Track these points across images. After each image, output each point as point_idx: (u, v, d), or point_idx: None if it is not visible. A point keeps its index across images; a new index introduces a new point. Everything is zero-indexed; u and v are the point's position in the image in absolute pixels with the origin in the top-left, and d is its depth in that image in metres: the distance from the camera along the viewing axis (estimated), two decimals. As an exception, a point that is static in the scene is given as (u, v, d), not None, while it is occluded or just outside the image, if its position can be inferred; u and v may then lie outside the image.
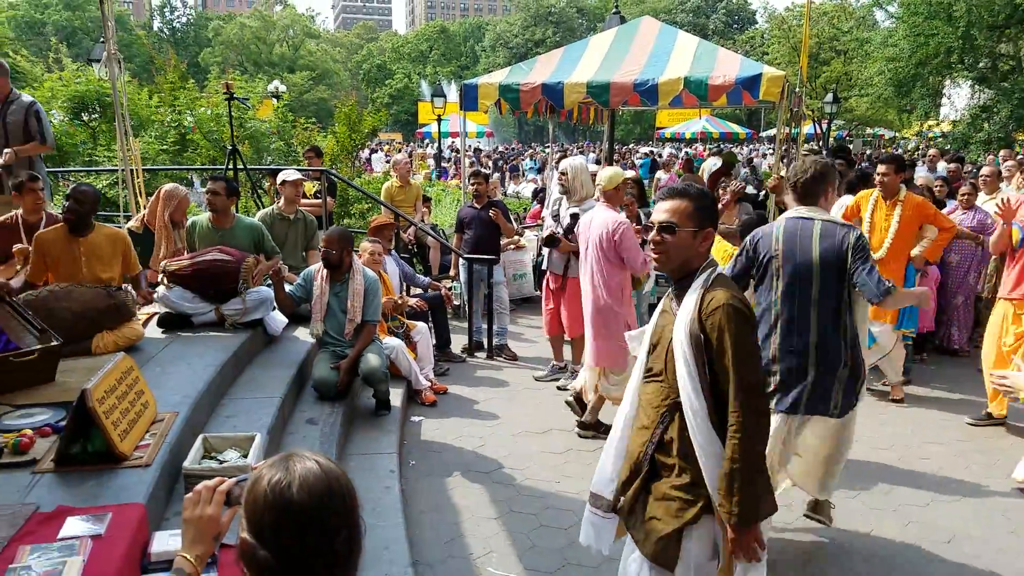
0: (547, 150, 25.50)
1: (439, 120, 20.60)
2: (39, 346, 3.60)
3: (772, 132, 30.83)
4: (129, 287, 4.59)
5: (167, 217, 5.46)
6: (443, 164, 20.96)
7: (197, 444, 3.05)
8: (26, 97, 5.61)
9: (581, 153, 22.31)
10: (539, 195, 10.48)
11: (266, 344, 5.02)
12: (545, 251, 5.82)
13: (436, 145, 22.88)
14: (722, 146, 23.76)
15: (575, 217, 5.35)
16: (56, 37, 42.35)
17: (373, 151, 21.46)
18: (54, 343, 3.64)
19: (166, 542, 2.39)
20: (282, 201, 6.07)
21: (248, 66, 47.06)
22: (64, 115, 12.00)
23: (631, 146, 30.92)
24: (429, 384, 5.47)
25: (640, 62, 7.39)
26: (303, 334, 5.18)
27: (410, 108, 48.34)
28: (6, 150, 5.36)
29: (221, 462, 2.99)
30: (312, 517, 1.19)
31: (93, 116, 12.12)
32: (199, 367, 3.98)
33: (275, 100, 15.90)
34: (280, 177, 6.20)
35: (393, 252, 6.36)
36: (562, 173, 5.54)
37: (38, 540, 2.23)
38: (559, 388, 5.70)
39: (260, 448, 3.10)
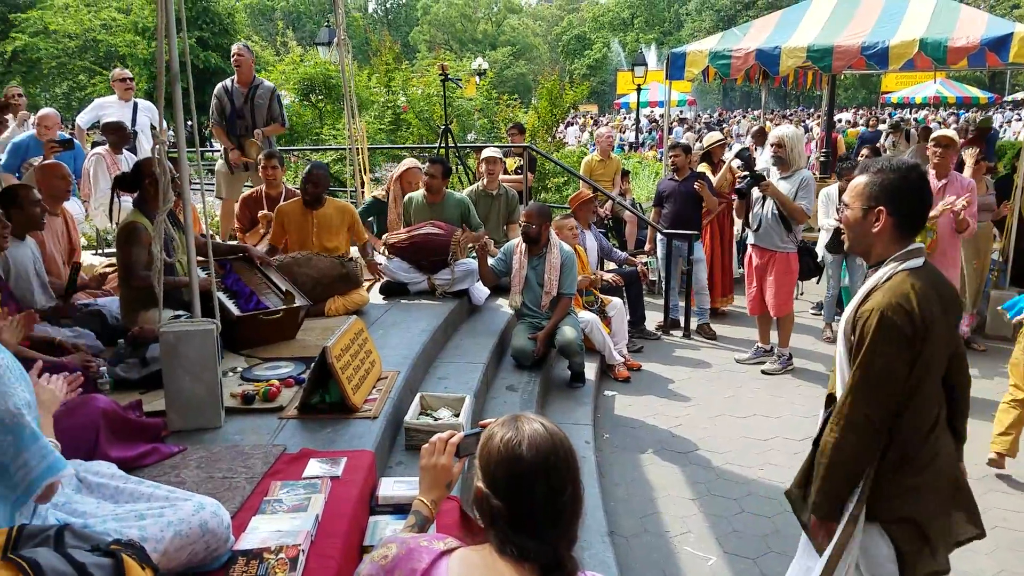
0: (755, 117, 24.12)
1: (639, 89, 20.19)
2: (284, 307, 4.10)
3: (1020, 96, 26.64)
4: (357, 256, 5.06)
5: (398, 187, 5.95)
6: (641, 133, 20.60)
7: (415, 401, 3.32)
8: (267, 83, 6.33)
9: (798, 121, 20.81)
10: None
11: (470, 313, 5.31)
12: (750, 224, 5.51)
13: (634, 116, 22.49)
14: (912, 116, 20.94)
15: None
16: (283, 22, 46.88)
17: (569, 124, 21.56)
18: (297, 304, 4.12)
19: (391, 487, 2.63)
20: (485, 179, 6.34)
21: (453, 44, 49.21)
22: (295, 96, 13.30)
23: (854, 112, 28.26)
24: (623, 360, 5.47)
25: (869, 23, 6.73)
26: (503, 305, 5.40)
27: (606, 78, 47.89)
28: (257, 130, 6.12)
29: (436, 419, 3.23)
30: (539, 474, 1.27)
31: (319, 97, 13.32)
32: (415, 331, 4.31)
33: (477, 78, 16.50)
34: (482, 155, 6.48)
35: (593, 227, 6.39)
36: (779, 145, 5.22)
37: (286, 477, 2.55)
38: (763, 372, 5.46)
39: (469, 409, 3.30)
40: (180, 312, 3.57)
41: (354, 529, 2.33)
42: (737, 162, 5.28)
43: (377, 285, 5.27)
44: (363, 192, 6.73)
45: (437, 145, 7.56)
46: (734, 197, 6.10)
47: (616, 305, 5.70)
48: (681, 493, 3.81)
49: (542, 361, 4.75)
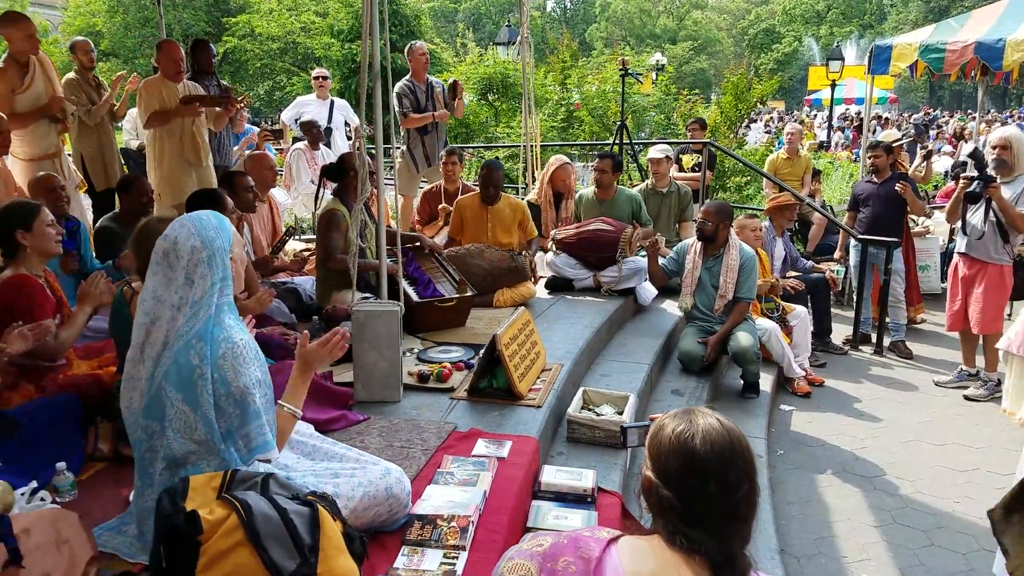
0: (965, 119, 21.72)
1: (833, 85, 18.83)
2: (457, 295, 4.28)
3: None
4: (525, 252, 5.17)
5: (548, 187, 5.92)
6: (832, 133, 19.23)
7: (578, 395, 3.33)
8: (432, 78, 6.43)
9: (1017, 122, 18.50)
10: (955, 170, 8.99)
11: (636, 312, 5.23)
12: (959, 233, 4.98)
13: (827, 113, 21.03)
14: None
15: None
16: (463, 23, 48.50)
17: (752, 121, 20.53)
18: (469, 293, 4.30)
19: (554, 475, 2.68)
20: (653, 177, 6.22)
21: (631, 40, 48.58)
22: (473, 96, 13.74)
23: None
24: (803, 374, 5.13)
25: (1122, 8, 5.81)
26: (671, 307, 5.27)
27: (796, 74, 45.14)
28: (435, 113, 6.27)
29: (598, 415, 3.22)
30: (714, 469, 1.23)
31: (496, 96, 13.67)
32: (579, 327, 4.33)
33: (654, 74, 16.20)
34: (648, 155, 6.37)
35: (786, 234, 6.03)
36: (1003, 147, 4.65)
37: (457, 453, 2.69)
38: (966, 397, 4.91)
39: (632, 408, 3.26)
40: (368, 294, 3.84)
41: (519, 509, 2.40)
42: (970, 163, 4.77)
43: (543, 279, 5.35)
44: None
45: (611, 142, 7.51)
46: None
47: (799, 314, 5.33)
48: (862, 519, 3.52)
49: (711, 367, 4.57)
